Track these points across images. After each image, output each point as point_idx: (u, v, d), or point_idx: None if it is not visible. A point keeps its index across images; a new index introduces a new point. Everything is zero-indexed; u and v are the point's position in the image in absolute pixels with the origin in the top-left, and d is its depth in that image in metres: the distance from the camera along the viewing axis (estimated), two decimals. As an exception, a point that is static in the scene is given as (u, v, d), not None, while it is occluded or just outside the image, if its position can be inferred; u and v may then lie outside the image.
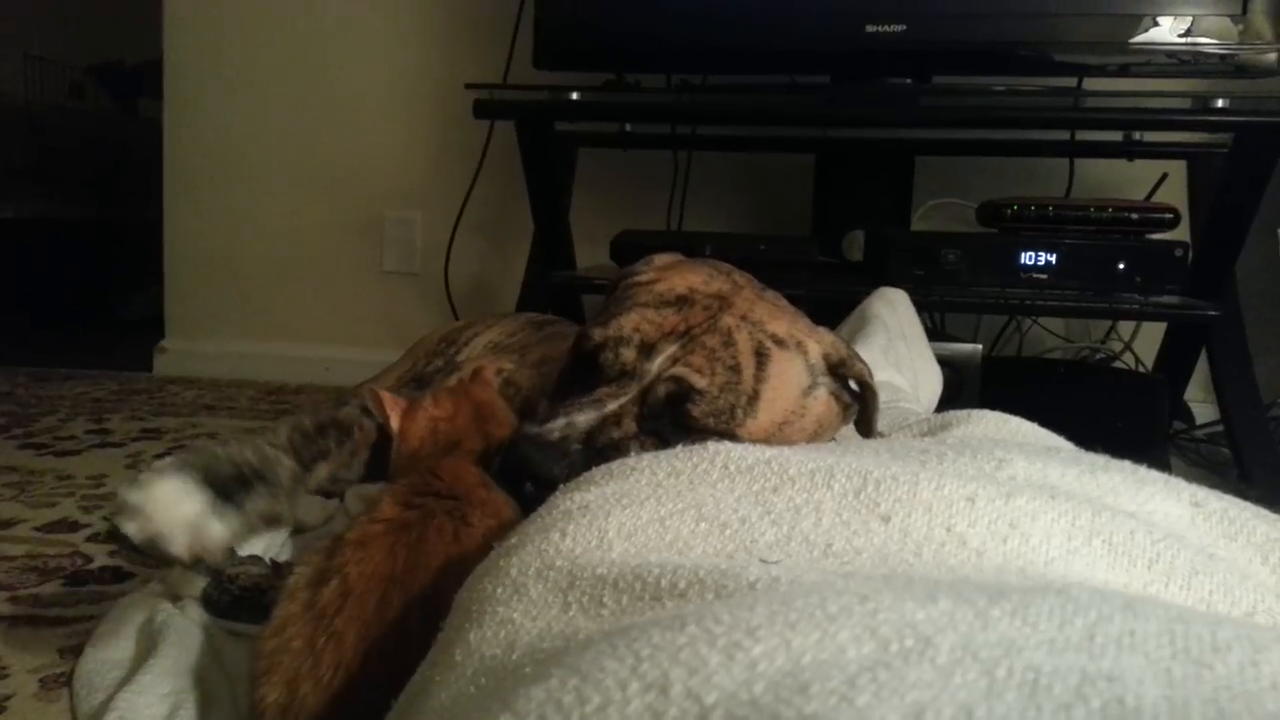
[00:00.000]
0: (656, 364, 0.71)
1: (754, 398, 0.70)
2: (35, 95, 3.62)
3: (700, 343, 0.71)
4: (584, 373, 0.74)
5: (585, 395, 0.72)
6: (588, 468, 0.64)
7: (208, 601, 0.86)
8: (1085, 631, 0.31)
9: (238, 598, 0.85)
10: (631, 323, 0.72)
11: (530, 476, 0.68)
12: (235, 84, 2.43)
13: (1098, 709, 0.26)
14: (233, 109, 2.44)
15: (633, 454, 0.67)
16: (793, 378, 0.73)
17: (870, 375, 0.78)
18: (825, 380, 0.75)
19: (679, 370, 0.70)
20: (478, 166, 2.16)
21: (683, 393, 0.70)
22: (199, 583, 0.90)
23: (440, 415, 0.80)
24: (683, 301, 0.73)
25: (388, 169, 2.41)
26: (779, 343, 0.73)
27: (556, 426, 0.70)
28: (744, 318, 0.73)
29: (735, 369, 0.70)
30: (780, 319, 0.75)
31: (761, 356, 0.71)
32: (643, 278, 0.78)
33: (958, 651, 0.29)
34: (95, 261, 3.54)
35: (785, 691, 0.28)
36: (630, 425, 0.71)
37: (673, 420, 0.70)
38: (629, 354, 0.71)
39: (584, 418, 0.70)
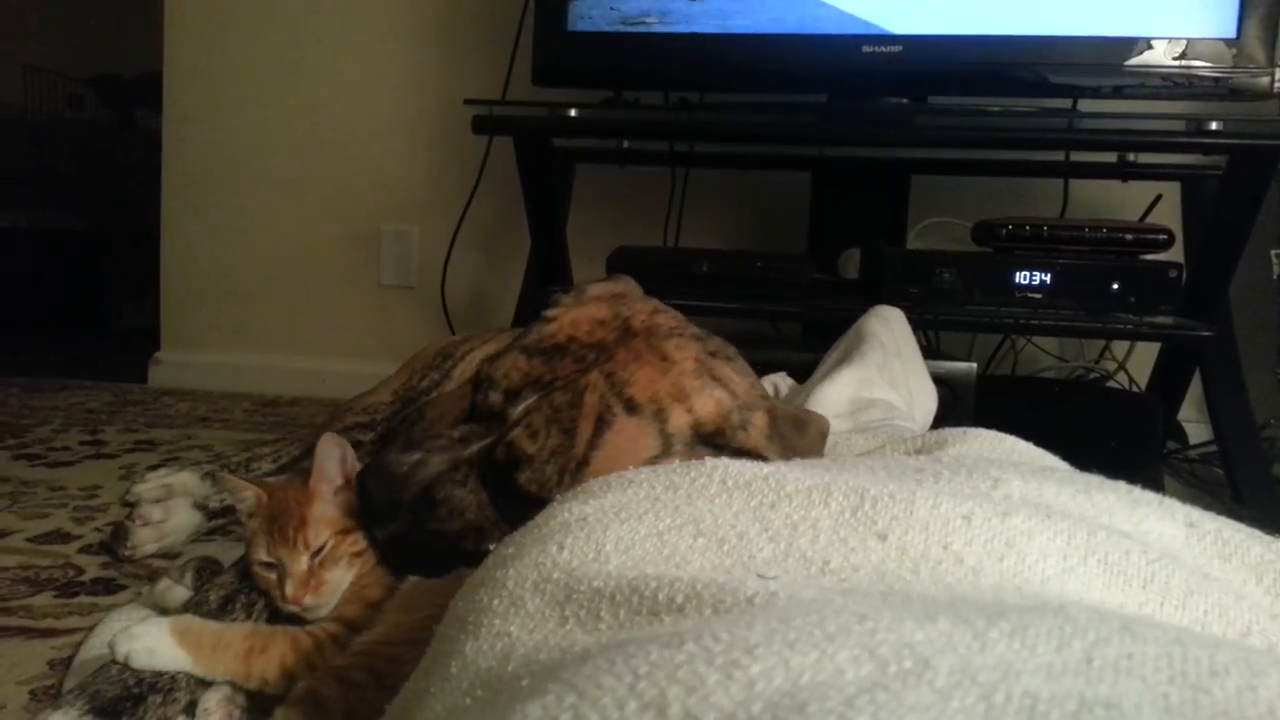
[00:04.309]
0: (516, 412, 0.69)
1: (583, 464, 0.67)
2: (33, 105, 3.63)
3: (550, 399, 0.69)
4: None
5: (457, 429, 0.72)
6: (414, 524, 0.67)
7: None
8: (1083, 654, 0.31)
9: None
10: (505, 365, 0.72)
11: (364, 511, 0.69)
12: (234, 96, 2.44)
13: (1095, 733, 0.26)
14: (231, 121, 2.44)
15: (462, 517, 0.70)
16: (635, 447, 0.68)
17: (769, 450, 0.70)
18: (683, 450, 0.69)
19: (515, 435, 0.68)
20: (476, 181, 2.17)
21: (514, 460, 0.68)
22: (186, 596, 0.89)
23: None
24: (557, 351, 0.71)
25: (386, 183, 2.41)
26: (632, 408, 0.68)
27: (409, 460, 0.70)
28: (610, 376, 0.69)
29: (570, 433, 0.67)
30: (658, 379, 0.69)
31: (602, 423, 0.68)
32: (550, 312, 0.77)
33: (956, 674, 0.29)
34: (91, 272, 3.54)
35: (783, 712, 0.28)
36: (474, 485, 0.71)
37: (502, 489, 0.70)
38: (496, 398, 0.71)
39: (438, 460, 0.70)
